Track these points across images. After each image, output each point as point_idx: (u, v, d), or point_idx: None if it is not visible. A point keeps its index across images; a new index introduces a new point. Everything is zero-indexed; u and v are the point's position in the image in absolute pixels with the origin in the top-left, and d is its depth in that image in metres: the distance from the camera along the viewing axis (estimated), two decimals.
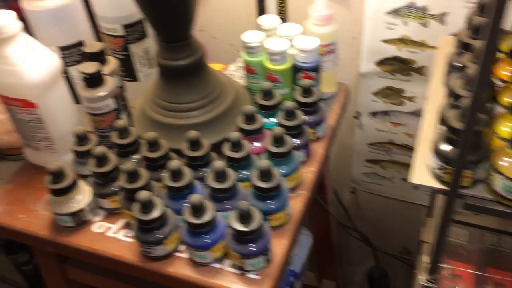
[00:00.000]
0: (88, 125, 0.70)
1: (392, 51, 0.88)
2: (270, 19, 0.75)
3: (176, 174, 0.59)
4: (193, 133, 0.63)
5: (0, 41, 0.59)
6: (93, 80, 0.65)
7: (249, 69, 0.75)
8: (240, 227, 0.55)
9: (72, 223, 0.64)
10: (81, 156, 0.66)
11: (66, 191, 0.61)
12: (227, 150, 0.63)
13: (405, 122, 0.98)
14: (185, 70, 0.67)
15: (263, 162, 0.58)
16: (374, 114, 0.99)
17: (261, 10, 0.89)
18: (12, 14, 0.59)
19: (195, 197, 0.55)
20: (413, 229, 1.22)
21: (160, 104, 0.70)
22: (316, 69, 0.72)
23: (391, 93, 0.94)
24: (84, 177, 0.67)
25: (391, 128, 1.00)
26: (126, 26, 0.72)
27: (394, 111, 0.97)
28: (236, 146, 0.62)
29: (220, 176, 0.59)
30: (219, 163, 0.58)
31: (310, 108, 0.69)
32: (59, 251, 0.65)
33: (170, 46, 0.66)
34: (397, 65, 0.90)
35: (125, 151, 0.66)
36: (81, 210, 0.63)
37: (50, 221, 0.66)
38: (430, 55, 0.85)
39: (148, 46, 0.76)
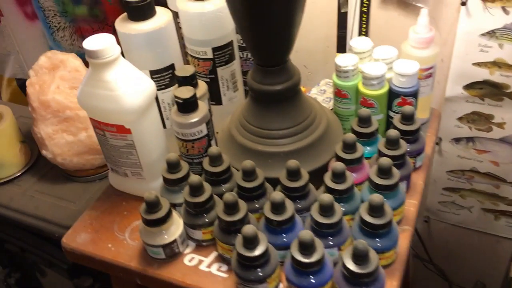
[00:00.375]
0: (177, 150, 0.68)
1: (484, 74, 0.83)
2: (362, 41, 0.72)
3: (278, 207, 0.56)
4: (293, 163, 0.59)
5: (100, 66, 0.58)
6: (188, 105, 0.63)
7: (340, 94, 0.71)
8: (355, 269, 0.50)
9: (164, 255, 0.61)
10: (172, 184, 0.63)
11: (161, 222, 0.58)
12: (329, 181, 0.59)
13: (491, 149, 0.92)
14: (281, 95, 0.64)
15: (376, 196, 0.54)
16: (457, 140, 0.93)
17: (341, 31, 0.86)
18: (112, 38, 0.58)
19: (305, 234, 0.51)
20: (489, 262, 1.15)
21: (249, 129, 0.67)
22: (415, 94, 0.68)
23: (478, 119, 0.89)
24: (173, 206, 0.64)
25: (475, 156, 0.94)
26: (216, 49, 0.70)
27: (480, 137, 0.91)
28: (340, 177, 0.58)
29: (326, 209, 0.55)
30: (326, 196, 0.55)
31: (411, 136, 0.65)
32: (148, 284, 0.63)
33: (267, 70, 0.63)
34: (487, 90, 0.84)
35: (217, 180, 0.63)
36: (174, 242, 0.60)
37: (139, 251, 0.63)
38: None
39: (234, 69, 0.74)
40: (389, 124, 0.71)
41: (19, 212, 0.89)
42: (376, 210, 0.54)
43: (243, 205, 0.58)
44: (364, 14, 0.83)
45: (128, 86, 0.59)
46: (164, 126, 0.72)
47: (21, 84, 1.42)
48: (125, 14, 0.66)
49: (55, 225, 0.85)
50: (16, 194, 0.91)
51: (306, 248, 0.52)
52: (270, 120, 0.66)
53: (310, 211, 0.56)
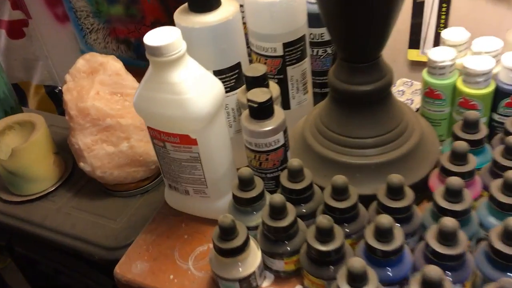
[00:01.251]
0: (242, 163, 0.59)
1: None
2: (458, 32, 0.62)
3: (386, 234, 0.46)
4: (396, 178, 0.49)
5: (164, 65, 0.48)
6: (263, 110, 0.53)
7: (433, 94, 0.61)
8: None
9: None
10: (245, 204, 0.53)
11: (238, 252, 0.49)
12: (442, 201, 0.49)
13: None
14: (371, 97, 0.54)
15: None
16: None
17: (415, 24, 0.76)
18: (178, 32, 0.49)
19: (431, 271, 0.41)
20: None
21: (331, 137, 0.57)
22: None
23: None
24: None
25: None
26: (287, 45, 0.60)
27: None
28: (456, 195, 0.48)
29: (448, 236, 0.44)
30: (448, 221, 0.44)
31: None
32: None
33: (356, 67, 0.53)
34: None
35: (297, 199, 0.54)
36: (251, 275, 0.50)
37: (208, 284, 0.53)
38: None
39: (305, 68, 0.64)
40: (492, 129, 0.60)
41: (54, 231, 0.79)
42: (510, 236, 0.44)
43: (338, 231, 0.48)
44: (444, 4, 0.73)
45: (196, 89, 0.49)
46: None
47: (50, 91, 1.34)
48: (184, 5, 0.57)
49: (94, 245, 0.76)
50: (51, 211, 0.82)
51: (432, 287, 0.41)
52: (358, 126, 0.56)
53: (426, 238, 0.46)
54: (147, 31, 0.50)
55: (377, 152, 0.55)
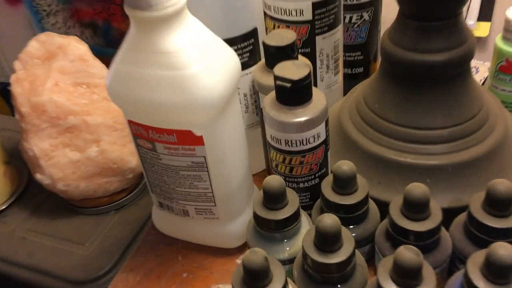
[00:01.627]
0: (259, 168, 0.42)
1: None
2: None
3: (505, 273, 0.31)
4: (503, 186, 0.34)
5: (155, 23, 0.31)
6: (299, 93, 0.37)
7: (511, 69, 0.46)
8: None
9: None
10: (273, 228, 0.37)
11: None
12: None
13: None
14: (445, 71, 0.39)
15: None
16: None
17: None
18: None
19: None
20: None
21: (387, 129, 0.41)
22: None
23: None
24: None
25: None
26: (318, 5, 0.44)
27: None
28: None
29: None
30: None
31: None
32: None
33: (425, 27, 0.38)
34: None
35: (346, 218, 0.38)
36: None
37: None
38: None
39: (338, 38, 0.48)
40: None
41: (6, 261, 0.62)
42: None
43: (427, 271, 0.32)
44: None
45: (203, 61, 0.33)
46: None
47: (2, 89, 1.16)
48: None
49: (57, 279, 0.59)
50: (1, 235, 0.64)
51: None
52: (427, 113, 0.40)
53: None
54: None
55: (453, 148, 0.40)
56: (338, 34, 0.48)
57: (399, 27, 0.39)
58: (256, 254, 0.32)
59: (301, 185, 0.41)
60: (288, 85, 0.36)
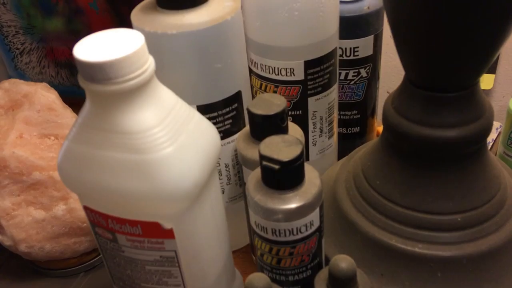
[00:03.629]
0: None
1: None
2: None
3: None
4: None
5: (115, 98, 0.26)
6: (289, 175, 0.31)
7: None
8: None
9: None
10: None
11: None
12: None
13: None
14: (459, 148, 0.33)
15: None
16: None
17: None
18: (139, 38, 0.27)
19: None
20: None
21: (392, 212, 0.35)
22: None
23: None
24: None
25: None
26: (311, 65, 0.39)
27: None
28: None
29: None
30: None
31: None
32: None
33: (436, 98, 0.33)
34: None
35: None
36: None
37: None
38: None
39: (333, 99, 0.43)
40: None
41: None
42: None
43: None
44: None
45: (174, 142, 0.27)
46: None
47: None
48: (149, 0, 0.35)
49: None
50: None
51: None
52: (437, 195, 0.34)
53: None
54: None
55: (470, 236, 0.34)
56: (333, 94, 0.42)
57: (405, 96, 0.34)
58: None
59: (291, 278, 0.34)
60: (277, 167, 0.30)
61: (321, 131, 0.43)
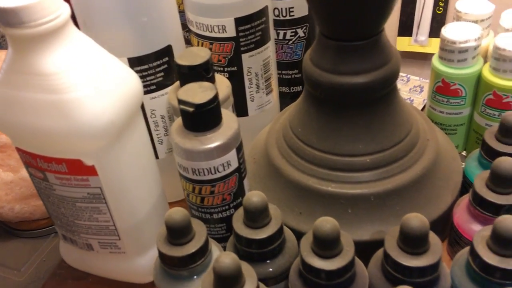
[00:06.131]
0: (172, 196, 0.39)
1: None
2: (477, 4, 0.45)
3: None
4: (416, 219, 0.31)
5: (32, 41, 0.28)
6: (204, 118, 0.34)
7: (448, 89, 0.44)
8: None
9: None
10: (177, 266, 0.34)
11: None
12: (487, 253, 0.31)
13: None
14: (368, 94, 0.36)
15: None
16: None
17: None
18: None
19: None
20: None
21: (309, 156, 0.38)
22: None
23: None
24: None
25: None
26: (241, 21, 0.42)
27: None
28: (506, 245, 0.31)
29: None
30: None
31: None
32: None
33: (345, 47, 0.35)
34: None
35: (260, 253, 0.35)
36: None
37: None
38: None
39: (268, 56, 0.46)
40: None
41: None
42: None
43: None
44: None
45: (89, 84, 0.29)
46: (156, 156, 0.44)
47: None
48: None
49: None
50: None
51: None
52: (349, 139, 0.37)
53: None
54: None
55: (379, 176, 0.37)
56: (267, 52, 0.45)
57: (318, 48, 0.37)
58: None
59: (215, 216, 0.38)
60: (191, 109, 0.33)
61: (258, 87, 0.46)
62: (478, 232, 0.32)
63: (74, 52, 0.30)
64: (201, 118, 0.34)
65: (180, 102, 0.34)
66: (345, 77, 0.36)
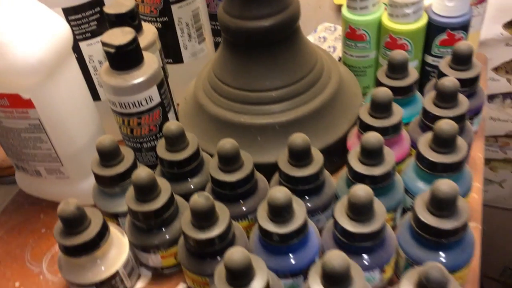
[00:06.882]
0: (114, 132, 0.45)
1: None
2: None
3: (283, 212, 0.34)
4: (299, 138, 0.37)
5: None
6: (126, 57, 0.39)
7: (355, 35, 0.49)
8: None
9: None
10: (110, 184, 0.40)
11: (89, 248, 0.36)
12: (357, 164, 0.38)
13: None
14: (270, 36, 0.42)
15: (446, 184, 0.33)
16: (491, 97, 0.73)
17: None
18: None
19: (335, 259, 0.30)
20: None
21: (226, 93, 0.45)
22: (466, 27, 0.46)
23: None
24: (114, 216, 0.42)
25: None
26: None
27: None
28: (375, 156, 0.37)
29: (361, 210, 0.34)
30: (361, 190, 0.33)
31: (467, 88, 0.44)
32: None
33: None
34: None
35: (179, 173, 0.41)
36: (114, 276, 0.38)
37: None
38: None
39: (197, 7, 0.51)
40: (426, 74, 0.50)
41: None
42: (444, 205, 0.33)
43: (223, 212, 0.36)
44: None
45: (21, 29, 0.35)
46: (99, 98, 0.49)
47: None
48: None
49: None
50: None
51: (338, 280, 0.30)
52: (257, 76, 0.43)
53: (334, 214, 0.35)
54: None
55: (283, 108, 0.43)
56: (196, 3, 0.50)
57: None
58: (68, 204, 0.35)
59: (144, 145, 0.44)
60: (112, 50, 0.39)
61: (190, 36, 0.51)
62: (353, 150, 0.38)
63: (7, 2, 0.35)
64: (123, 58, 0.40)
65: (103, 44, 0.39)
66: (250, 22, 0.41)
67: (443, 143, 0.36)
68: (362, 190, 0.33)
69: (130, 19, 0.42)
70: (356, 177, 0.37)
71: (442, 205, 0.33)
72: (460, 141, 0.37)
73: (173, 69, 0.53)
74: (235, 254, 0.30)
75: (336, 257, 0.30)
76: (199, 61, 0.53)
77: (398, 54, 0.43)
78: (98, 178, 0.40)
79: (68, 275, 0.37)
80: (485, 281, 0.95)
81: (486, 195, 0.86)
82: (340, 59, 0.55)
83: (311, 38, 0.60)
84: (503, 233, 0.93)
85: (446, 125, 0.36)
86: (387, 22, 0.47)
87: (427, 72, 0.49)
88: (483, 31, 0.65)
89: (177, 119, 0.48)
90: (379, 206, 0.34)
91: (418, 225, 0.34)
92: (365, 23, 0.48)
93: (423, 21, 0.46)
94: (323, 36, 0.60)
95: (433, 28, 0.46)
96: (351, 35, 0.49)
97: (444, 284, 0.28)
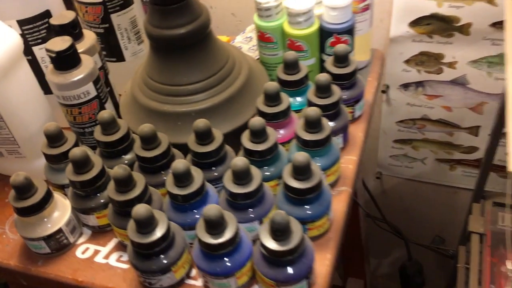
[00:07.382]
0: (65, 120, 0.55)
1: (431, 7, 0.73)
2: None
3: (183, 178, 0.45)
4: (201, 122, 0.48)
5: None
6: (65, 60, 0.49)
7: (264, 37, 0.59)
8: (275, 246, 0.40)
9: (49, 249, 0.49)
10: (55, 161, 0.50)
11: (36, 209, 0.46)
12: (247, 142, 0.48)
13: (443, 93, 0.83)
14: (185, 41, 0.52)
15: (300, 155, 0.43)
16: (406, 86, 0.84)
17: None
18: None
19: (211, 210, 0.41)
20: (447, 215, 1.09)
21: (154, 87, 0.55)
22: (350, 31, 0.57)
23: (427, 60, 0.79)
24: (61, 187, 0.52)
25: (426, 102, 0.85)
26: None
27: (430, 81, 0.82)
28: (259, 135, 0.48)
29: (242, 176, 0.44)
30: (239, 160, 0.44)
31: (346, 81, 0.55)
32: (35, 285, 0.51)
33: (164, 10, 0.50)
34: (436, 25, 0.75)
35: (113, 151, 0.51)
36: (58, 232, 0.48)
37: (21, 246, 0.51)
38: (478, 10, 0.70)
39: (134, 15, 0.60)
40: (323, 70, 0.60)
41: None
42: (300, 171, 0.44)
43: (140, 179, 0.46)
44: None
45: None
46: (51, 92, 0.59)
47: None
48: None
49: None
50: None
51: (214, 226, 0.41)
52: (176, 73, 0.53)
53: (223, 180, 0.45)
54: None
55: (199, 98, 0.53)
56: (133, 12, 0.60)
57: (151, 11, 0.52)
58: (18, 175, 0.45)
59: (86, 130, 0.54)
60: (54, 55, 0.49)
61: (129, 39, 0.61)
62: (245, 132, 0.49)
63: None
64: (63, 61, 0.49)
65: (47, 50, 0.49)
66: (168, 30, 0.51)
67: (310, 124, 0.47)
68: (240, 161, 0.44)
69: (71, 28, 0.52)
70: (247, 152, 0.48)
71: (299, 171, 0.43)
72: (325, 122, 0.48)
73: (117, 66, 0.63)
74: (140, 208, 0.41)
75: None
76: (139, 60, 0.63)
77: (289, 55, 0.53)
78: (46, 156, 0.51)
79: (22, 231, 0.48)
80: (418, 249, 1.07)
81: (412, 171, 0.97)
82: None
83: (240, 37, 0.70)
84: (430, 205, 1.05)
85: (311, 111, 0.47)
86: (287, 27, 0.57)
87: (324, 68, 0.60)
88: (392, 30, 0.76)
89: (118, 108, 0.58)
90: (256, 172, 0.45)
91: (285, 187, 0.45)
92: (270, 28, 0.58)
93: (315, 27, 0.56)
94: (250, 36, 0.69)
95: (324, 33, 0.57)
96: (262, 38, 0.59)
97: (284, 224, 0.39)
